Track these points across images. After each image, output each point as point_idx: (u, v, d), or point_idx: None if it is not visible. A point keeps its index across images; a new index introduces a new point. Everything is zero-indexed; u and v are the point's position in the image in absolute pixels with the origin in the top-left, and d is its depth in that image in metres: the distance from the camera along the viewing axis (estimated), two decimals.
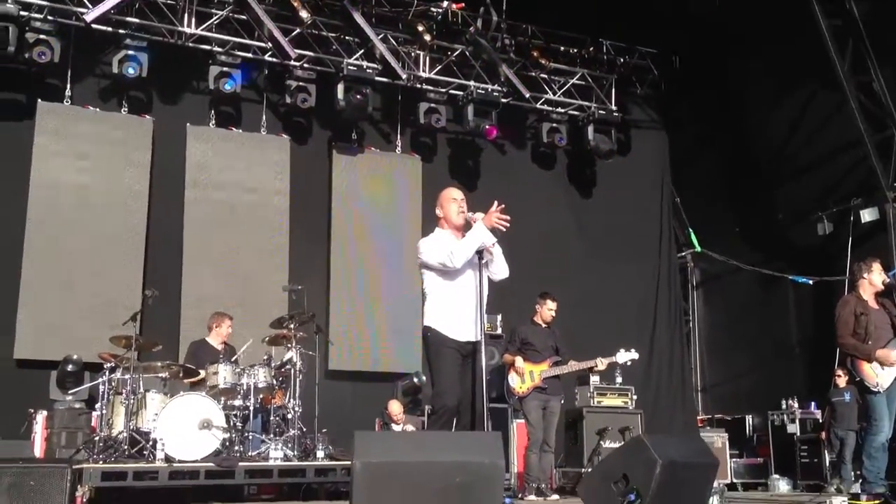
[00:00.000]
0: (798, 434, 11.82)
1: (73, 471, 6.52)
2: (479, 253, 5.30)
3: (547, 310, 8.58)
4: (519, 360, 8.35)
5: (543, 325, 8.60)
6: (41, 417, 8.57)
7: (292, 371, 8.17)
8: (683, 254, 14.63)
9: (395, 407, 9.95)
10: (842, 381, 10.73)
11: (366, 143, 11.82)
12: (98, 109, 10.44)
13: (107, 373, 7.89)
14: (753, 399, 12.82)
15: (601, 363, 8.49)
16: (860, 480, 6.88)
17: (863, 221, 11.70)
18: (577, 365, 8.49)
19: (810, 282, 12.13)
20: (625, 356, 8.61)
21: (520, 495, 7.86)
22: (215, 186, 10.84)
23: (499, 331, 10.44)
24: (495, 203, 5.32)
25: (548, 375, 8.33)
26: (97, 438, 7.58)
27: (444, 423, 5.11)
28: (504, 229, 5.27)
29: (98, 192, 10.21)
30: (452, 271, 5.32)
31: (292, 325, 8.36)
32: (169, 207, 10.55)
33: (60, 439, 8.42)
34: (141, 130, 10.55)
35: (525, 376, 8.33)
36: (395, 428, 9.73)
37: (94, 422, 8.35)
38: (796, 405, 12.04)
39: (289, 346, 8.32)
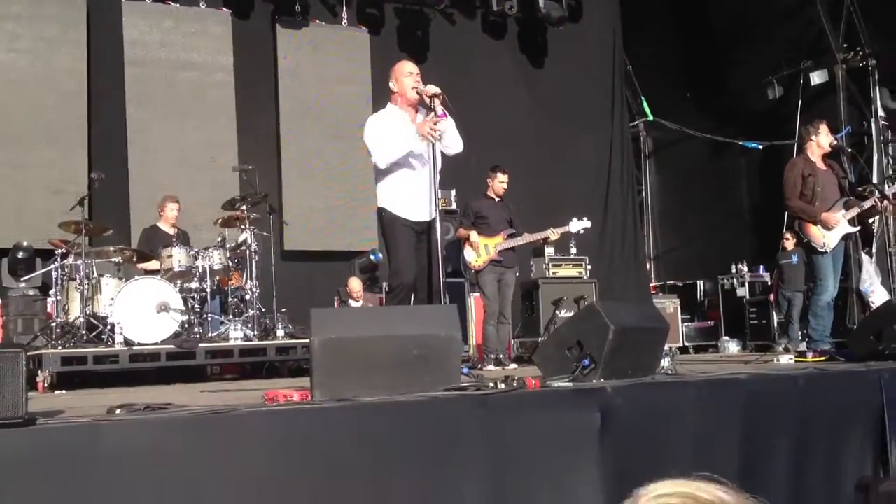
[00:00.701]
0: (747, 297, 12.18)
1: (28, 356, 6.52)
2: None
3: (498, 182, 8.54)
4: (474, 235, 8.36)
5: (497, 199, 8.58)
6: None
7: (247, 252, 8.14)
8: (636, 122, 14.64)
9: (355, 284, 10.01)
10: (790, 243, 10.99)
11: (310, 17, 11.44)
12: None
13: (58, 259, 7.78)
14: (704, 265, 13.13)
15: (554, 233, 8.58)
16: (807, 339, 7.12)
17: (812, 84, 11.75)
18: (530, 237, 8.54)
19: (760, 147, 12.25)
20: (577, 225, 8.70)
21: (479, 366, 8.02)
22: (155, 64, 10.48)
23: (453, 206, 10.46)
24: (432, 113, 5.22)
25: (503, 248, 8.37)
26: (54, 324, 7.53)
27: (401, 300, 5.17)
28: (434, 140, 5.19)
29: (35, 73, 9.82)
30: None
31: (245, 207, 8.27)
32: (110, 88, 10.20)
33: (17, 326, 8.38)
34: (75, 7, 10.08)
35: (480, 250, 8.35)
36: (354, 305, 9.82)
37: (49, 308, 8.29)
38: (746, 269, 12.36)
39: (242, 227, 8.25)
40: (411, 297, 5.24)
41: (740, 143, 12.52)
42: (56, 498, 2.64)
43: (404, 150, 5.23)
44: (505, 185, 8.57)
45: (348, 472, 3.11)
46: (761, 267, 12.26)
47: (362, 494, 3.10)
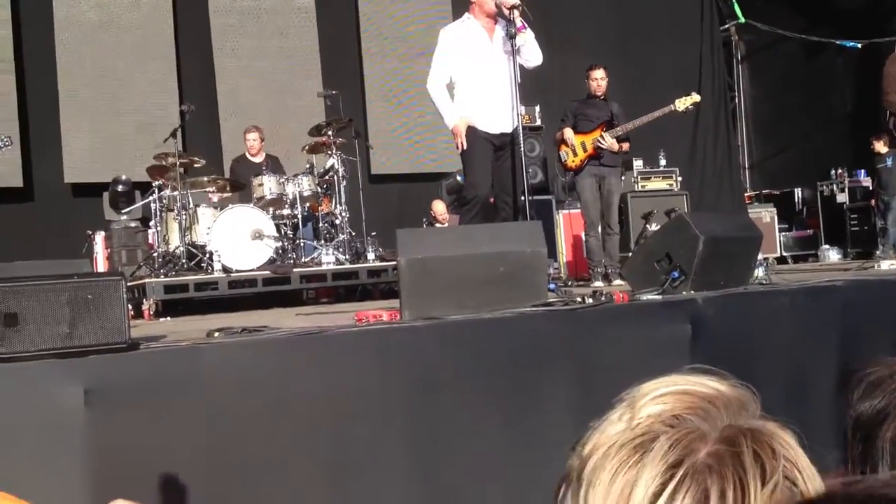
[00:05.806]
0: (847, 203, 11.75)
1: (133, 285, 6.82)
2: (512, 38, 5.14)
3: (593, 80, 7.86)
4: (567, 132, 7.68)
5: (598, 98, 7.90)
6: (100, 238, 8.82)
7: (335, 178, 8.23)
8: (727, 26, 14.04)
9: (439, 206, 10.04)
10: (880, 145, 10.48)
11: None
12: None
13: (156, 191, 8.03)
14: (802, 172, 12.69)
15: (650, 118, 7.69)
16: None
17: None
18: (629, 124, 7.68)
19: (858, 45, 11.66)
20: (685, 102, 7.69)
21: (569, 283, 7.94)
22: None
23: (538, 122, 10.27)
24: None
25: (600, 144, 7.64)
26: (156, 254, 7.82)
27: (476, 213, 5.15)
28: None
29: (122, 8, 9.98)
30: (478, 60, 5.22)
31: (330, 132, 8.33)
32: (196, 19, 10.30)
33: (121, 257, 8.70)
34: None
35: (577, 147, 7.66)
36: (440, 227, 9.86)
37: (150, 239, 8.58)
38: (846, 174, 11.90)
39: (329, 153, 8.33)
40: (487, 212, 5.24)
41: (837, 42, 11.94)
42: (157, 417, 2.78)
43: (442, 111, 5.41)
44: (603, 83, 7.87)
45: (437, 387, 3.17)
46: (861, 171, 11.77)
47: (451, 409, 3.17)
